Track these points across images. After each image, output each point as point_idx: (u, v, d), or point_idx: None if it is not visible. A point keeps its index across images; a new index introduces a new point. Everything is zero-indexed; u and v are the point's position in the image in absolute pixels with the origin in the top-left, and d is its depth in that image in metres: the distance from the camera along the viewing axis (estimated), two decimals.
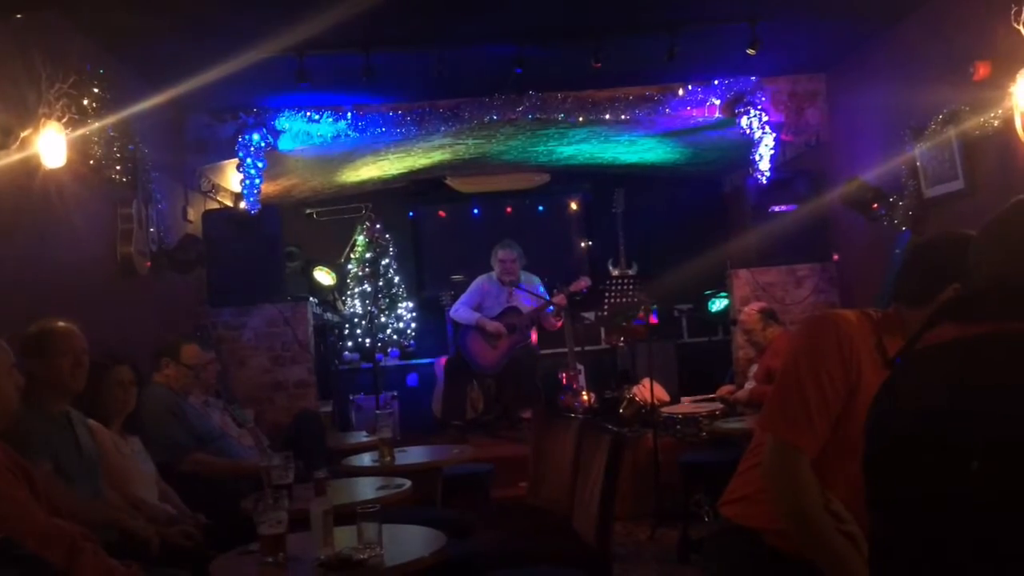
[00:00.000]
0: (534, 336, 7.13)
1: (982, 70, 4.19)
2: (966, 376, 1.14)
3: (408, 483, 3.66)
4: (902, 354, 1.27)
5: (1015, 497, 1.04)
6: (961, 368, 1.16)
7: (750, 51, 4.94)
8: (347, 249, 7.92)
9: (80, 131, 3.96)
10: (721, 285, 7.00)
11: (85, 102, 3.97)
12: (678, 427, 5.48)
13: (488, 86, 5.92)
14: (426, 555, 2.60)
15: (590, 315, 7.37)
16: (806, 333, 2.03)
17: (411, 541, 2.78)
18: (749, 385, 5.19)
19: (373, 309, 7.63)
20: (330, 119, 6.02)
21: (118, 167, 4.42)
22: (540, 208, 8.80)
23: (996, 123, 4.15)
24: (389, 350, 7.85)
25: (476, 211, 8.64)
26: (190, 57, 4.86)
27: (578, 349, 7.02)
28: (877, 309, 2.02)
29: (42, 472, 2.79)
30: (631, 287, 6.68)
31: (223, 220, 6.00)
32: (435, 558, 2.61)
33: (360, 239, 7.85)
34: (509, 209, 8.70)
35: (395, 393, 7.56)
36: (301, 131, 6.05)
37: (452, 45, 5.05)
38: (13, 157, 3.53)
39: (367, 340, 7.57)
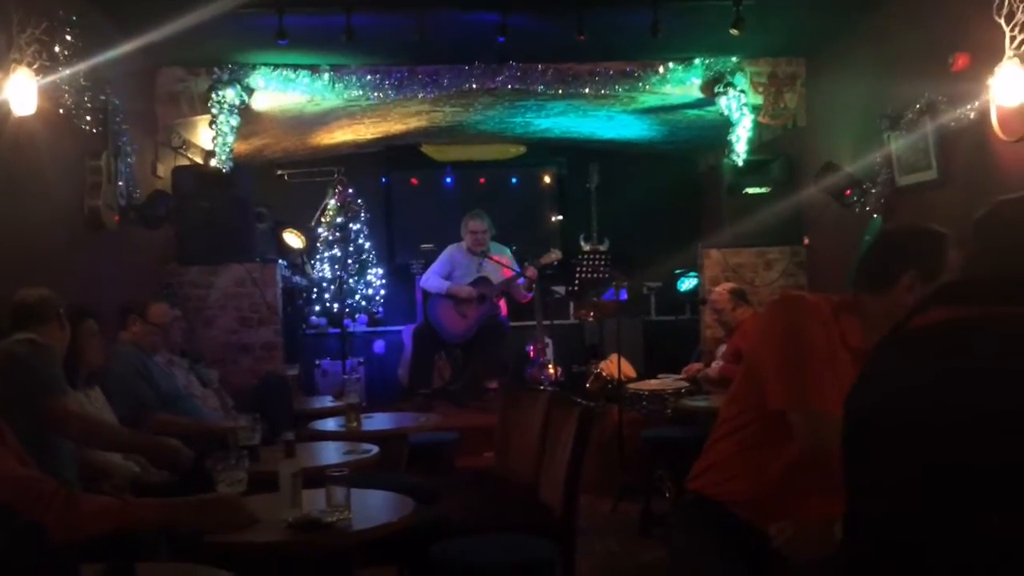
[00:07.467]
0: (503, 308, 7.14)
1: (961, 61, 4.22)
2: (955, 354, 1.16)
3: (376, 449, 3.67)
4: (889, 336, 1.28)
5: (1004, 475, 1.05)
6: (951, 346, 1.18)
7: (734, 31, 4.93)
8: (318, 213, 7.83)
9: (51, 78, 3.85)
10: (691, 264, 7.04)
11: (57, 49, 3.87)
12: (644, 403, 5.52)
13: (469, 54, 5.87)
14: (394, 520, 2.61)
15: (560, 289, 7.39)
16: (788, 310, 2.05)
17: (379, 506, 2.78)
18: (717, 364, 5.24)
19: (342, 274, 7.57)
20: (307, 79, 5.92)
21: (88, 117, 4.32)
22: (514, 180, 8.77)
23: (972, 115, 4.18)
24: (357, 316, 7.81)
25: (449, 180, 8.59)
26: (165, 6, 4.73)
27: (547, 322, 7.04)
28: (836, 294, 2.08)
29: (70, 404, 3.01)
30: (602, 263, 6.70)
31: (193, 177, 5.90)
32: (403, 523, 2.61)
33: (331, 203, 7.77)
34: (483, 180, 8.66)
35: (362, 359, 7.54)
36: (276, 89, 5.94)
37: (435, 10, 4.99)
38: None
39: (335, 305, 7.53)
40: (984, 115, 4.09)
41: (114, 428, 3.44)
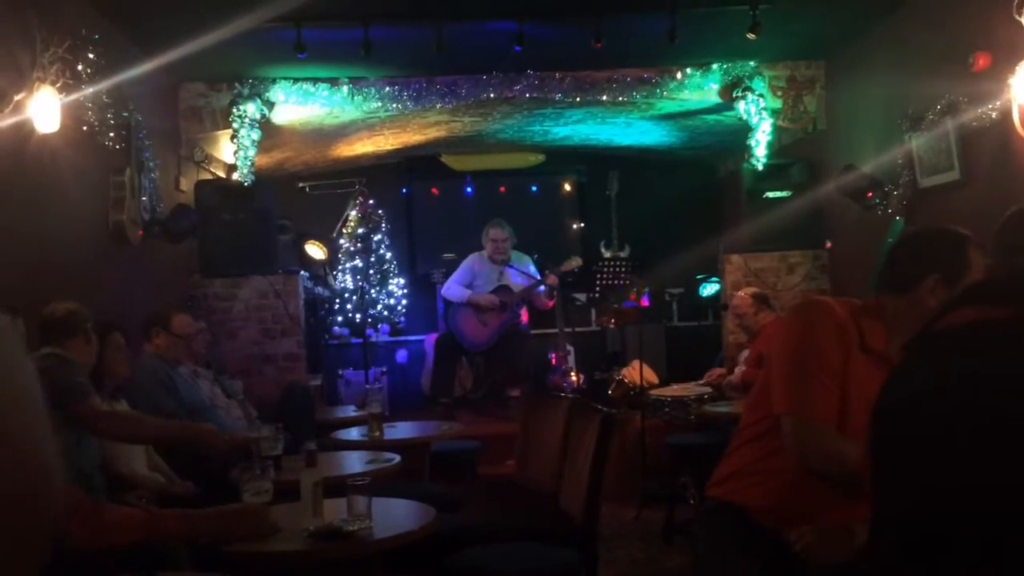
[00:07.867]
0: (524, 316, 7.14)
1: (982, 61, 4.18)
2: (980, 355, 1.15)
3: (397, 458, 3.68)
4: (918, 336, 1.27)
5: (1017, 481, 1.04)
6: (977, 347, 1.17)
7: (751, 35, 4.92)
8: (339, 224, 7.89)
9: (74, 96, 3.91)
10: (713, 270, 7.01)
11: (80, 67, 3.93)
12: (666, 409, 5.49)
13: (487, 63, 5.88)
14: (415, 528, 2.61)
15: (582, 296, 7.38)
16: (803, 316, 2.06)
17: (401, 515, 2.79)
18: (739, 370, 5.21)
19: (364, 285, 7.62)
20: (326, 91, 5.97)
21: (111, 134, 4.38)
22: (533, 188, 8.78)
23: (994, 115, 4.15)
24: (379, 326, 7.85)
25: (469, 190, 8.61)
26: (185, 23, 4.80)
27: (568, 330, 7.04)
28: (860, 298, 2.10)
29: (97, 405, 3.10)
30: (623, 269, 6.69)
31: (216, 191, 5.96)
32: (424, 532, 2.62)
33: (353, 214, 7.82)
34: (503, 188, 8.67)
35: (384, 369, 7.56)
36: (296, 103, 6.00)
37: (452, 20, 5.01)
38: (6, 121, 3.49)
39: (357, 316, 7.56)
40: (1006, 115, 4.06)
41: (146, 419, 3.51)
